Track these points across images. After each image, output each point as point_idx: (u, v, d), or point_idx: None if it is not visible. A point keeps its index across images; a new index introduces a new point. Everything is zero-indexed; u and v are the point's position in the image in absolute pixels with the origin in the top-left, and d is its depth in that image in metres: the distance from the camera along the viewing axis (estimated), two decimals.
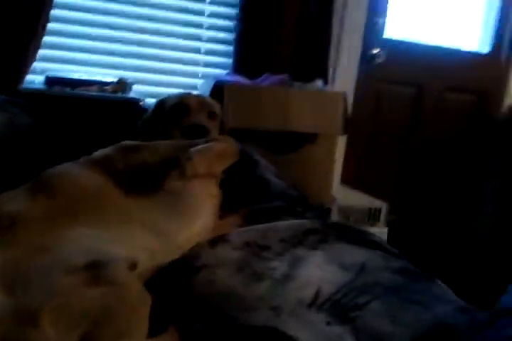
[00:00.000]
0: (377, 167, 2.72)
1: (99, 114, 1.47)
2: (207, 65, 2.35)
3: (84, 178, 0.93)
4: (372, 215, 2.05)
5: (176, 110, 1.20)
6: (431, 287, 0.88)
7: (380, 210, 2.06)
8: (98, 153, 1.06)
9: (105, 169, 0.98)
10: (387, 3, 2.62)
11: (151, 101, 1.92)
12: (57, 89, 1.74)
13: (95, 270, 0.68)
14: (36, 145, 1.18)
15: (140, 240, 0.86)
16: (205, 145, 1.02)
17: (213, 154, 1.01)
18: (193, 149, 0.98)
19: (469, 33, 2.91)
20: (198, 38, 2.34)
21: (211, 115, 1.23)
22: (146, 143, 1.08)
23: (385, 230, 2.04)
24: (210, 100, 1.28)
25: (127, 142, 1.08)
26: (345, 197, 2.11)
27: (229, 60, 2.34)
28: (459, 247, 2.90)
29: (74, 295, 0.64)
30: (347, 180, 2.43)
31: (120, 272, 0.71)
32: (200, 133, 1.13)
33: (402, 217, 2.51)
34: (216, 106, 1.27)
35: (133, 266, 0.74)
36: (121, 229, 0.85)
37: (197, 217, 1.02)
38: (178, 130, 1.16)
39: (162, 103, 1.27)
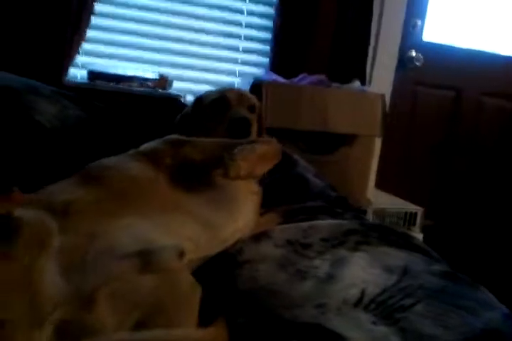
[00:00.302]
0: (413, 171, 2.70)
1: (142, 109, 1.49)
2: (244, 63, 2.37)
3: (133, 169, 0.95)
4: (408, 220, 2.03)
5: (216, 104, 1.21)
6: (475, 292, 0.87)
7: (415, 215, 2.04)
8: (146, 146, 1.08)
9: (153, 161, 1.00)
10: (426, 5, 2.59)
11: (190, 97, 1.96)
12: (99, 83, 1.78)
13: (147, 257, 0.70)
14: (87, 138, 1.21)
15: (187, 231, 0.88)
16: (249, 146, 1.02)
17: (256, 156, 1.00)
18: (236, 150, 0.98)
19: (508, 38, 2.86)
20: (237, 36, 2.36)
21: (251, 108, 1.23)
22: (192, 139, 1.09)
23: (421, 235, 2.02)
24: (249, 94, 1.29)
25: (173, 136, 1.10)
26: (379, 200, 2.10)
27: (266, 59, 2.36)
28: (496, 253, 2.85)
29: (127, 281, 0.66)
30: (382, 183, 2.41)
31: (171, 259, 0.72)
32: (244, 125, 1.14)
33: (438, 223, 2.48)
34: (255, 100, 1.28)
35: (182, 254, 0.75)
36: (169, 219, 0.87)
37: (240, 211, 1.03)
38: (220, 124, 1.17)
39: (201, 98, 1.28)
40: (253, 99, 1.29)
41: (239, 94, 1.26)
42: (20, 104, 1.18)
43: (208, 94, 1.30)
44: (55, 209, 0.78)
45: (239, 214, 1.02)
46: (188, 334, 0.61)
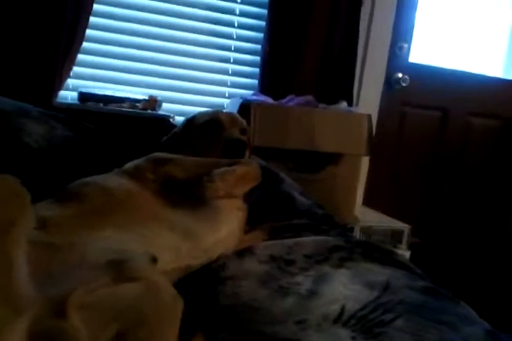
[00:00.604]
0: (399, 189, 2.72)
1: (131, 129, 1.51)
2: (234, 85, 2.41)
3: (112, 184, 0.97)
4: (395, 237, 2.04)
5: (209, 126, 1.23)
6: (455, 307, 0.88)
7: (402, 232, 2.06)
8: (129, 164, 1.10)
9: (134, 177, 1.02)
10: (412, 28, 2.66)
11: (179, 118, 1.98)
12: (90, 104, 1.80)
13: (118, 266, 0.70)
14: (73, 158, 1.22)
15: (166, 240, 0.89)
16: (229, 168, 1.04)
17: (235, 177, 1.02)
18: (216, 171, 1.00)
19: (493, 59, 2.93)
20: (226, 60, 2.40)
21: (242, 131, 1.26)
22: (174, 157, 1.11)
23: (408, 253, 2.03)
24: (239, 117, 1.31)
25: (158, 154, 1.11)
26: (367, 218, 2.11)
27: (255, 81, 2.40)
28: (481, 272, 2.85)
29: (101, 291, 0.66)
30: (369, 201, 2.43)
31: (142, 266, 0.73)
32: (239, 147, 1.16)
33: (424, 241, 2.48)
34: (245, 123, 1.31)
35: (154, 259, 0.76)
36: (148, 231, 0.88)
37: (223, 222, 1.04)
38: (213, 145, 1.19)
39: (192, 119, 1.30)
40: (244, 122, 1.31)
41: (231, 116, 1.29)
42: (9, 126, 1.19)
43: (199, 115, 1.32)
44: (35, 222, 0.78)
45: (222, 225, 1.03)
46: None
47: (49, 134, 1.22)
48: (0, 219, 0.60)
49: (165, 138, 1.34)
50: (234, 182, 1.01)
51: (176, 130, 1.35)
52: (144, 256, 0.76)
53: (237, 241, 1.07)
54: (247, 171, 1.06)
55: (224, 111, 1.36)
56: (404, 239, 2.03)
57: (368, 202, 2.43)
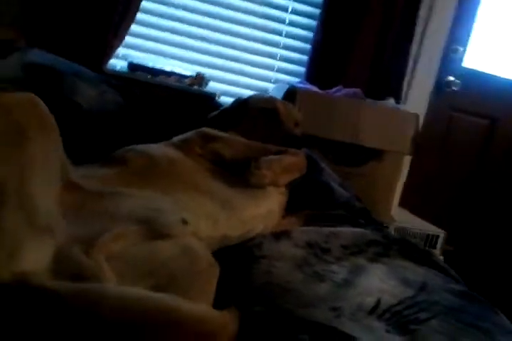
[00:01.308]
0: (438, 194, 2.67)
1: (178, 103, 1.51)
2: (280, 70, 2.39)
3: (155, 151, 0.98)
4: (429, 242, 2.00)
5: (266, 113, 1.23)
6: (492, 315, 0.86)
7: (437, 237, 2.02)
8: (177, 137, 1.10)
9: (181, 148, 1.03)
10: (470, 32, 2.58)
11: (223, 98, 1.98)
12: (139, 74, 1.81)
13: (147, 221, 0.70)
14: (122, 125, 1.23)
15: (204, 208, 0.89)
16: (277, 156, 1.05)
17: (282, 167, 1.03)
18: (263, 159, 1.01)
19: None
20: (276, 45, 2.38)
21: (296, 124, 1.25)
22: (224, 135, 1.11)
23: (441, 259, 1.99)
24: (295, 109, 1.31)
25: (207, 129, 1.11)
26: (402, 219, 2.08)
27: (301, 69, 2.37)
28: None
29: (134, 244, 0.66)
30: (404, 202, 2.39)
31: (171, 224, 0.73)
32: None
33: (457, 249, 2.43)
34: (300, 115, 1.30)
35: (184, 221, 0.76)
36: (186, 196, 0.88)
37: (263, 200, 1.04)
38: (266, 132, 1.19)
39: (247, 102, 1.29)
40: (298, 114, 1.31)
41: (288, 108, 1.29)
42: (63, 86, 1.21)
43: (254, 99, 1.31)
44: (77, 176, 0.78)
45: (262, 202, 1.03)
46: (202, 310, 0.58)
47: (100, 97, 1.23)
48: (9, 128, 0.57)
49: (213, 114, 1.34)
50: (280, 172, 1.02)
51: (225, 109, 1.34)
52: (175, 216, 0.76)
53: (276, 221, 1.07)
54: (293, 162, 1.07)
55: (279, 99, 1.34)
56: (439, 244, 1.99)
57: (403, 203, 2.38)
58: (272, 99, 1.30)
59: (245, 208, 0.98)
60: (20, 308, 0.50)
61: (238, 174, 1.03)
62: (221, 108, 1.38)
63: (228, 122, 1.26)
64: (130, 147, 1.00)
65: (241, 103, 1.31)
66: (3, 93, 0.59)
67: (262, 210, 1.02)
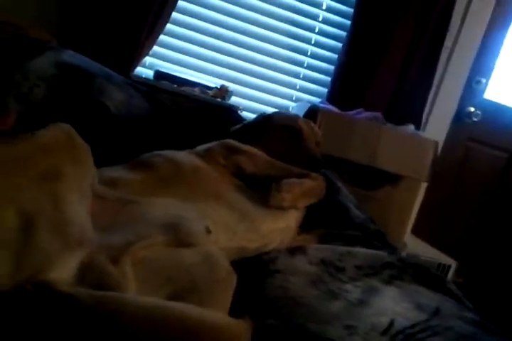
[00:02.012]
0: (451, 224, 2.65)
1: (201, 114, 1.53)
2: (302, 90, 2.41)
3: (181, 158, 0.99)
4: (440, 271, 1.98)
5: (288, 131, 1.24)
6: None
7: (449, 267, 1.99)
8: (201, 147, 1.12)
9: (205, 158, 1.04)
10: (493, 65, 2.60)
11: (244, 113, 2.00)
12: (164, 83, 1.83)
13: (174, 228, 0.72)
14: (147, 129, 1.24)
15: (224, 218, 0.90)
16: (298, 180, 1.06)
17: (302, 191, 1.05)
18: (285, 182, 1.03)
19: None
20: (301, 64, 2.40)
21: (317, 143, 1.26)
22: (249, 149, 1.12)
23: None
24: (316, 128, 1.32)
25: (232, 141, 1.12)
26: (413, 246, 2.06)
27: (323, 89, 2.39)
28: None
29: (158, 250, 0.68)
30: (416, 230, 2.36)
31: (196, 232, 0.75)
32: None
33: (467, 281, 2.39)
34: (320, 135, 1.31)
35: (207, 230, 0.78)
36: (207, 206, 0.90)
37: (281, 216, 1.05)
38: (287, 150, 1.20)
39: (271, 118, 1.30)
40: (319, 133, 1.32)
41: (310, 127, 1.30)
42: (93, 88, 1.23)
43: (278, 116, 1.32)
44: (104, 181, 0.80)
45: (280, 218, 1.04)
46: (218, 318, 0.59)
47: (127, 102, 1.25)
48: (48, 167, 0.62)
49: (235, 128, 1.35)
50: (299, 196, 1.04)
51: (248, 123, 1.35)
52: (200, 225, 0.78)
53: (292, 237, 1.07)
54: (313, 186, 1.10)
55: (302, 118, 1.35)
56: (450, 274, 1.97)
57: (416, 230, 2.36)
58: (295, 118, 1.31)
59: (263, 222, 0.99)
60: (39, 312, 0.51)
61: (257, 189, 1.04)
62: (244, 122, 1.39)
63: (250, 136, 1.26)
64: (158, 152, 1.02)
65: (265, 118, 1.31)
66: (43, 133, 0.65)
67: (279, 225, 1.03)
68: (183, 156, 1.02)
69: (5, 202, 0.56)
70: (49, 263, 0.56)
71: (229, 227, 0.90)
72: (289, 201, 1.02)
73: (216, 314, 0.62)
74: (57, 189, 0.61)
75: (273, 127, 1.27)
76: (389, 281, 0.97)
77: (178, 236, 0.72)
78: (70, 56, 1.30)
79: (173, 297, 0.64)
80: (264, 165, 1.10)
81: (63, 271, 0.57)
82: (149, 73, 2.09)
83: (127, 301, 0.56)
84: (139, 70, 2.12)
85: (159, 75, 1.92)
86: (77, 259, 0.59)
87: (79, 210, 0.63)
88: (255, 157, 1.11)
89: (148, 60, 2.16)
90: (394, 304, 0.87)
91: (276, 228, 1.02)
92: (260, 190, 1.04)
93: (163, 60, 2.20)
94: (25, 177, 0.59)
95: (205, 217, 0.85)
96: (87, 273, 0.59)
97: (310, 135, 1.27)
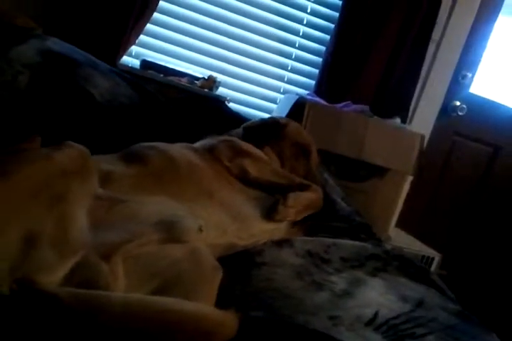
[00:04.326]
0: (435, 217, 2.67)
1: (187, 104, 1.51)
2: (290, 82, 2.40)
3: (176, 153, 0.98)
4: (424, 263, 1.99)
5: (299, 148, 1.27)
6: (486, 335, 0.86)
7: (432, 259, 2.02)
8: (203, 142, 1.11)
9: (204, 155, 1.03)
10: (480, 58, 2.61)
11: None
12: (151, 73, 1.81)
13: (168, 226, 0.73)
14: (133, 118, 1.23)
15: (214, 217, 0.90)
16: (301, 194, 1.08)
17: (304, 205, 1.07)
18: (290, 197, 1.04)
19: None
20: (288, 56, 2.39)
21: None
22: (256, 153, 1.14)
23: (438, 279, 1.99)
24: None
25: (239, 142, 1.12)
26: (398, 239, 2.08)
27: (311, 82, 2.39)
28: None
29: (149, 248, 0.69)
30: (401, 223, 2.38)
31: (190, 231, 0.75)
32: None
33: (450, 273, 2.42)
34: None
35: (200, 228, 0.79)
36: (199, 205, 0.89)
37: None
38: (293, 160, 1.25)
39: (286, 126, 1.29)
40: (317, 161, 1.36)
41: (312, 141, 1.32)
42: (79, 75, 1.21)
43: (296, 129, 1.32)
44: (98, 176, 0.80)
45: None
46: (200, 309, 0.61)
47: (113, 89, 1.24)
48: (60, 189, 0.65)
49: (248, 124, 1.31)
50: (302, 209, 1.07)
51: (261, 123, 1.32)
52: (194, 223, 0.78)
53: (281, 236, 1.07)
54: (313, 199, 1.12)
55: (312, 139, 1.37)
56: (434, 266, 1.99)
57: (400, 222, 2.38)
58: (309, 138, 1.33)
59: (254, 222, 0.99)
60: (20, 310, 0.53)
61: (250, 186, 1.06)
62: (257, 120, 1.36)
63: (262, 136, 1.25)
64: (151, 144, 1.00)
65: (282, 124, 1.29)
66: (61, 156, 0.67)
67: (270, 226, 1.03)
68: (178, 150, 1.00)
69: (13, 220, 0.59)
70: (43, 268, 0.59)
71: (220, 226, 0.91)
72: (292, 216, 1.05)
73: (200, 305, 0.63)
74: (64, 209, 0.64)
75: (288, 138, 1.27)
76: (374, 273, 0.98)
77: (171, 234, 0.72)
78: (55, 44, 1.28)
79: (159, 291, 0.65)
80: (269, 171, 1.12)
81: (56, 274, 0.60)
82: (135, 62, 2.07)
83: (112, 301, 0.57)
84: (125, 59, 2.10)
85: (146, 65, 1.90)
86: (72, 262, 0.61)
87: (82, 225, 0.65)
88: (261, 162, 1.13)
89: (134, 49, 2.13)
90: (378, 295, 0.87)
91: (267, 229, 1.02)
92: (253, 188, 1.05)
93: (150, 50, 2.17)
94: (36, 199, 0.62)
95: (197, 215, 0.85)
96: (77, 272, 0.61)
97: (315, 149, 1.31)
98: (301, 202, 1.06)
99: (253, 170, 1.07)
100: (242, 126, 1.28)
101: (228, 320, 0.60)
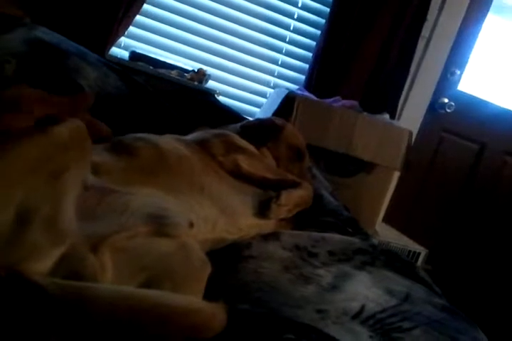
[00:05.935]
0: (421, 213, 2.70)
1: (177, 96, 1.50)
2: (280, 76, 2.40)
3: (167, 145, 0.96)
4: (410, 258, 2.01)
5: (293, 151, 1.26)
6: (472, 330, 0.86)
7: (418, 255, 2.04)
8: (195, 135, 1.10)
9: (195, 149, 1.02)
10: (468, 55, 2.63)
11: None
12: (140, 64, 1.80)
13: (158, 220, 0.72)
14: (121, 109, 1.21)
15: (205, 212, 0.89)
16: (294, 191, 1.08)
17: (295, 203, 1.07)
18: (284, 195, 1.04)
19: None
20: (279, 50, 2.39)
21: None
22: (249, 148, 1.13)
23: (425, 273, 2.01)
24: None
25: (232, 136, 1.11)
26: (385, 234, 2.09)
27: (301, 76, 2.39)
28: (494, 310, 2.80)
29: (136, 239, 0.68)
30: (388, 218, 2.40)
31: (180, 225, 0.75)
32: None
33: (435, 269, 2.45)
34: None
35: (191, 224, 0.79)
36: (189, 198, 0.88)
37: None
38: (287, 162, 1.25)
39: (281, 130, 1.27)
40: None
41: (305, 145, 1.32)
42: (68, 66, 1.19)
43: (291, 131, 1.31)
44: None
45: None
46: (192, 301, 0.60)
47: (102, 80, 1.22)
48: (58, 165, 0.63)
49: (245, 123, 1.30)
50: (293, 207, 1.07)
51: (259, 123, 1.30)
52: (184, 218, 0.78)
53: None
54: (305, 196, 1.12)
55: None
56: (420, 261, 2.01)
57: (387, 218, 2.40)
58: (304, 141, 1.32)
59: (243, 216, 0.98)
60: (5, 300, 0.52)
61: (240, 179, 1.06)
62: (254, 120, 1.35)
63: (259, 137, 1.24)
64: (141, 135, 0.98)
65: (279, 126, 1.27)
66: (62, 130, 0.65)
67: (259, 221, 1.02)
68: (168, 142, 0.99)
69: (9, 198, 0.57)
70: (33, 255, 0.57)
71: (209, 220, 0.90)
72: (284, 214, 1.05)
73: (191, 298, 0.63)
74: (60, 186, 0.63)
75: (284, 141, 1.26)
76: (361, 267, 0.98)
77: (160, 228, 0.71)
78: (43, 33, 1.25)
79: (148, 285, 0.64)
80: (261, 166, 1.11)
81: (45, 263, 0.58)
82: (125, 54, 2.05)
83: (99, 292, 0.56)
84: (114, 51, 2.08)
85: (135, 56, 1.88)
86: (60, 251, 0.60)
87: (71, 213, 0.64)
88: (254, 157, 1.12)
89: (124, 40, 2.11)
90: (365, 289, 0.88)
91: (256, 223, 1.01)
92: (245, 183, 1.05)
93: (140, 42, 2.16)
94: (35, 175, 0.60)
95: (187, 209, 0.84)
96: (65, 263, 0.59)
97: (308, 161, 1.34)
98: (293, 200, 1.06)
99: (246, 164, 1.06)
100: (239, 124, 1.27)
101: (219, 312, 0.60)
